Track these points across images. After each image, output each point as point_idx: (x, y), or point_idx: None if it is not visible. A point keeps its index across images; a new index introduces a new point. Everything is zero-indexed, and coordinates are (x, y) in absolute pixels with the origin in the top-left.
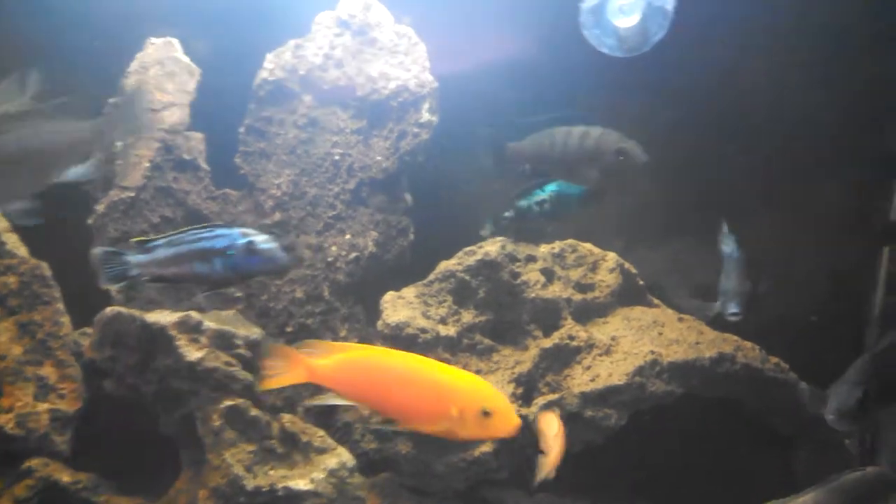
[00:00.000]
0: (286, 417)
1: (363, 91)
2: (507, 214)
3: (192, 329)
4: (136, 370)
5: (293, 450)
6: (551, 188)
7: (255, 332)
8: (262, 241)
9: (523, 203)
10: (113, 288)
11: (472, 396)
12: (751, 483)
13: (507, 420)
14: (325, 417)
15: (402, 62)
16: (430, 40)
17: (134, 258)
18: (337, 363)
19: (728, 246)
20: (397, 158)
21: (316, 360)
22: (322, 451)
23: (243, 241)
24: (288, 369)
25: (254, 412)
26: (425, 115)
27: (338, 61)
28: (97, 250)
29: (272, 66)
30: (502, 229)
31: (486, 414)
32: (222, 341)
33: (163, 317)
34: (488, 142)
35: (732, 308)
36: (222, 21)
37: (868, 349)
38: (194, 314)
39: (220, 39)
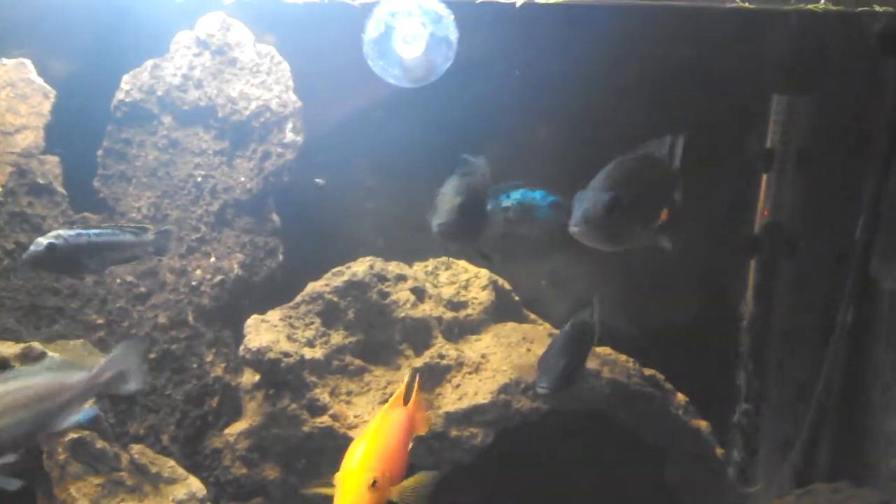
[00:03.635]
0: (136, 448)
1: (224, 112)
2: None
3: (35, 361)
4: None
5: (143, 481)
6: (516, 195)
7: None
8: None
9: (491, 207)
10: None
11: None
12: (623, 496)
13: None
14: (194, 444)
15: (264, 82)
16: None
17: None
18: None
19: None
20: (262, 179)
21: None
22: (172, 481)
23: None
24: None
25: (100, 444)
26: (289, 135)
27: (197, 81)
28: None
29: (129, 86)
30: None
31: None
32: None
33: (4, 348)
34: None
35: (542, 383)
36: (80, 41)
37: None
38: (37, 345)
39: (78, 60)
